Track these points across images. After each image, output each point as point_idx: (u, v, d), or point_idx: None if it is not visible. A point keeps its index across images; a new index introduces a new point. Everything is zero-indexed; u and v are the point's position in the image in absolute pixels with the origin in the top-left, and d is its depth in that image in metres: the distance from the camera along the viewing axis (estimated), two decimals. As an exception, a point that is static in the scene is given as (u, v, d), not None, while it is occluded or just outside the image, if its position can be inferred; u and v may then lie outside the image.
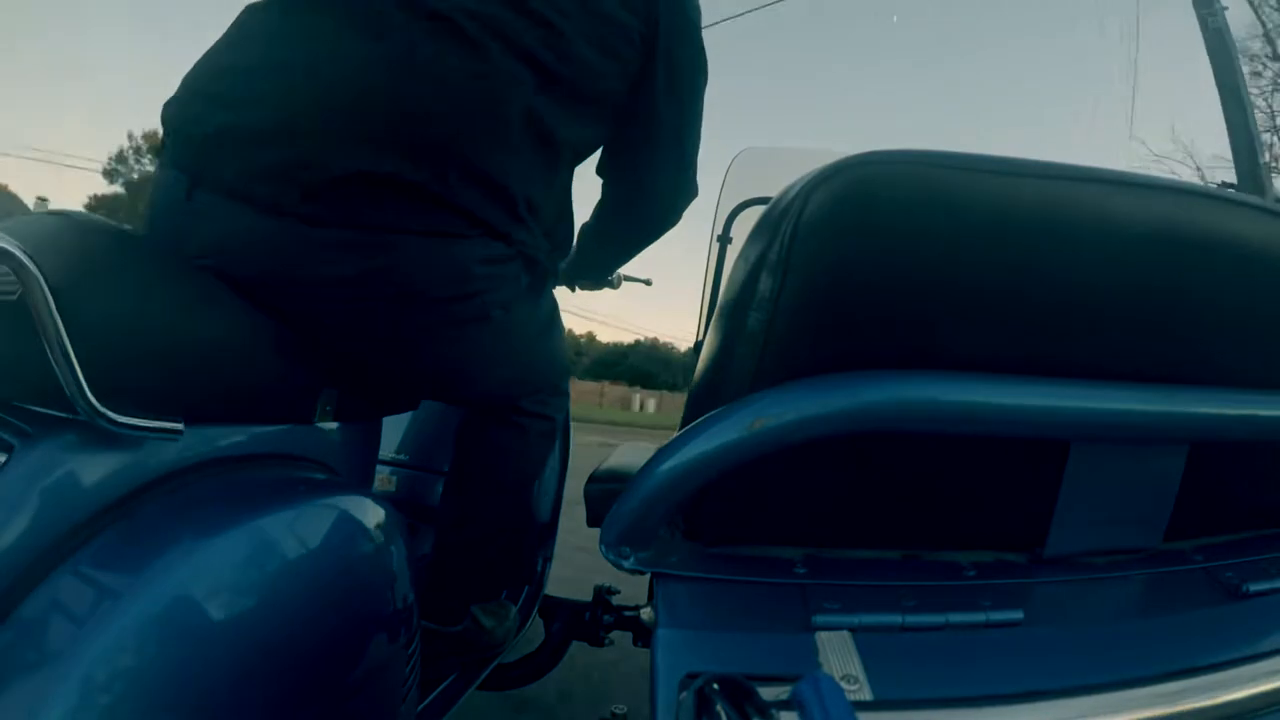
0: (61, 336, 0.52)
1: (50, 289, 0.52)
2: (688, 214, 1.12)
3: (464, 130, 0.78)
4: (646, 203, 1.08)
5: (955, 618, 0.57)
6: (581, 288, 1.51)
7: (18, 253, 0.50)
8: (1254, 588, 0.63)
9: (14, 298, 0.53)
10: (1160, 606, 0.65)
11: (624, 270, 1.59)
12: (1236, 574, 0.65)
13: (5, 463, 0.53)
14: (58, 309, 0.52)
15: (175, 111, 0.81)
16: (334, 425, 0.90)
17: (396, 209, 0.77)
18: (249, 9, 0.85)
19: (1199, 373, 0.62)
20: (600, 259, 1.28)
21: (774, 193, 0.64)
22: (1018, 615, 0.57)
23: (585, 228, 1.19)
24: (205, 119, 0.78)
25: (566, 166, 0.93)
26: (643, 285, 1.84)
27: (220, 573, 0.58)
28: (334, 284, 0.77)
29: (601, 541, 0.65)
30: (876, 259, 0.57)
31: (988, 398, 0.56)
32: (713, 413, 0.59)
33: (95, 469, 0.58)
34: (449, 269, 0.81)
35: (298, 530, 0.67)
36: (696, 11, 1.00)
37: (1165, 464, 0.65)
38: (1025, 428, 0.58)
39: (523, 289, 0.93)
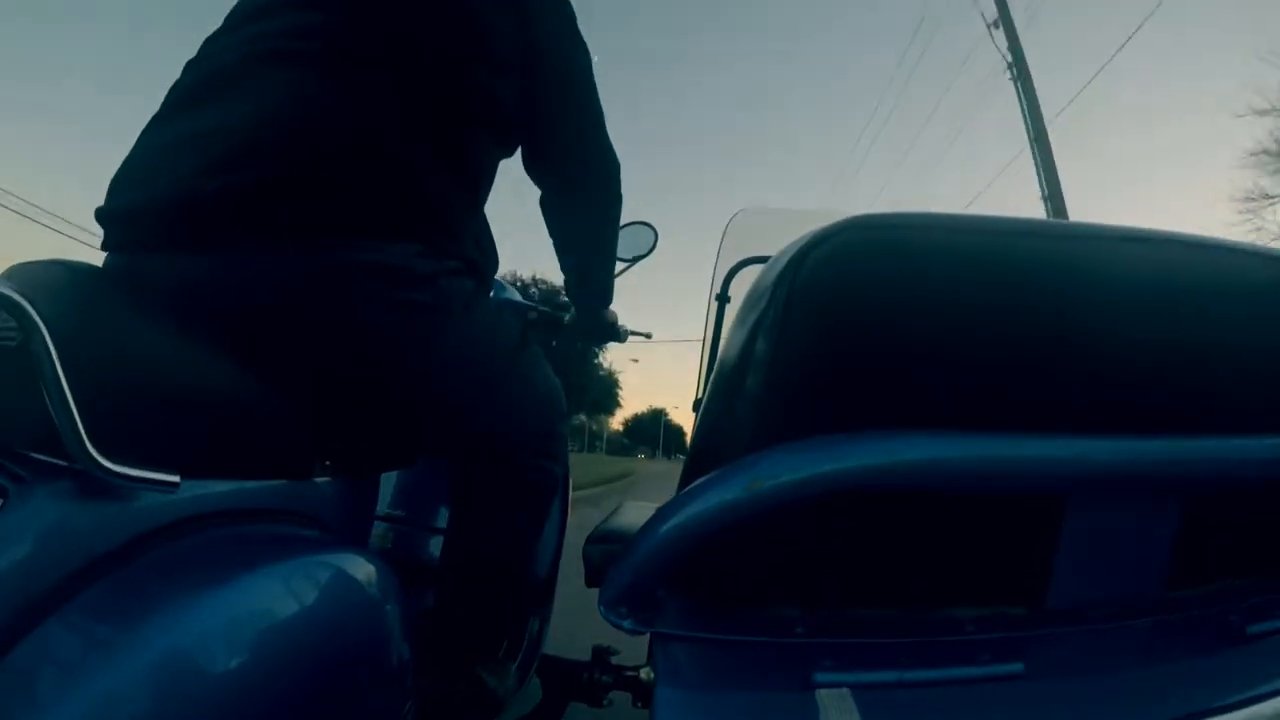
0: (61, 384, 0.52)
1: (51, 337, 0.52)
2: (690, 271, 1.12)
3: (346, 139, 0.81)
4: (578, 187, 1.09)
5: (955, 673, 0.56)
6: (588, 340, 1.50)
7: (19, 299, 0.50)
8: (1256, 629, 0.62)
9: (14, 344, 0.53)
10: (1161, 654, 0.64)
11: (627, 325, 1.59)
12: (1239, 617, 0.65)
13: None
14: (58, 357, 0.52)
15: (104, 207, 0.84)
16: (331, 481, 0.89)
17: (301, 216, 0.79)
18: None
19: (1193, 421, 0.62)
20: (579, 270, 1.25)
21: (771, 251, 0.65)
22: (1018, 669, 0.57)
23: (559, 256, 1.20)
24: (123, 200, 0.83)
25: (470, 176, 0.95)
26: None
27: (213, 629, 0.57)
28: (274, 308, 0.79)
29: (601, 601, 0.64)
30: (872, 321, 0.58)
31: (983, 455, 0.56)
32: (712, 474, 0.60)
33: (90, 518, 0.57)
34: (378, 265, 0.81)
35: (292, 587, 0.66)
36: (567, 5, 1.03)
37: (1163, 513, 0.65)
38: (1022, 484, 0.58)
39: (471, 294, 0.93)
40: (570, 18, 1.02)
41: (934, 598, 0.68)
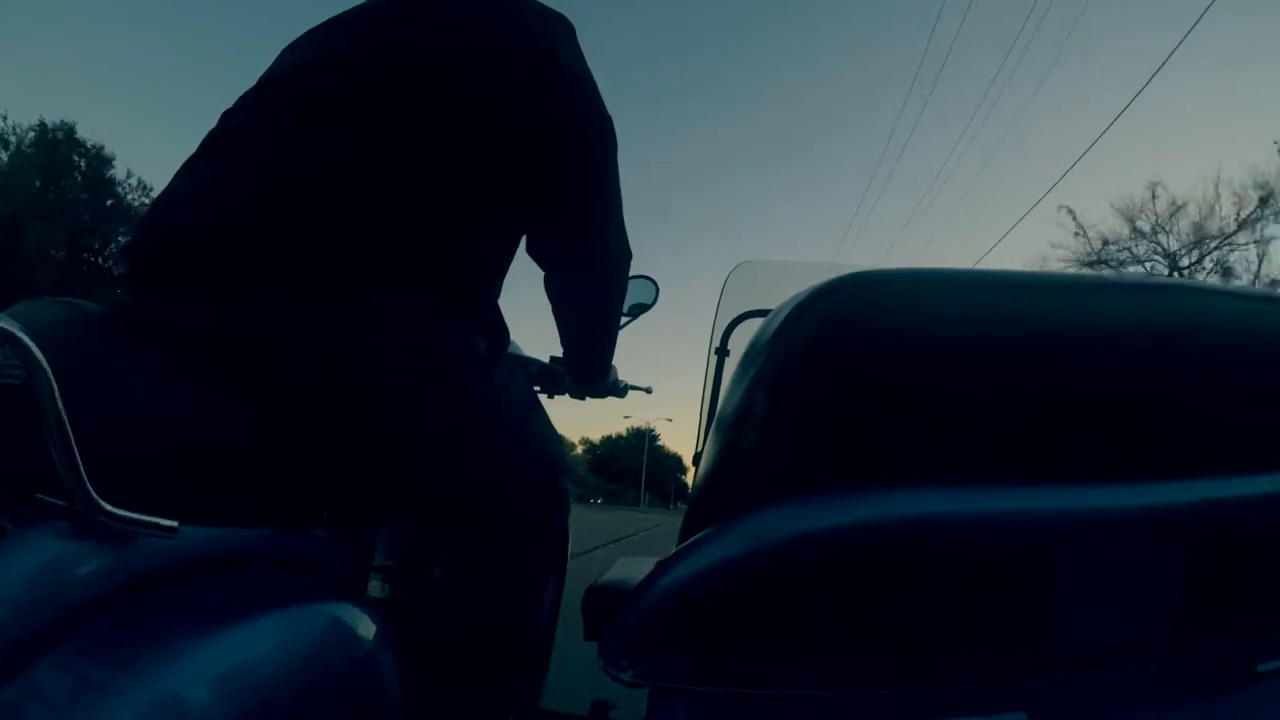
0: (64, 425, 0.52)
1: (55, 376, 0.51)
2: (689, 325, 1.11)
3: (365, 191, 0.82)
4: (584, 276, 1.08)
5: None
6: (588, 395, 1.51)
7: (24, 337, 0.50)
8: (1265, 668, 0.61)
9: (17, 382, 0.53)
10: (1168, 696, 0.63)
11: (626, 379, 1.59)
12: (1246, 655, 0.64)
13: None
14: (61, 398, 0.51)
15: (131, 242, 0.87)
16: (329, 531, 0.89)
17: (317, 263, 0.80)
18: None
19: (1192, 464, 0.62)
20: (579, 352, 1.25)
21: (772, 304, 0.66)
22: (1020, 717, 0.56)
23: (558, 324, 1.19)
24: (148, 238, 0.85)
25: (494, 242, 0.95)
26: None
27: (206, 676, 0.56)
28: (282, 354, 0.79)
29: (600, 655, 0.64)
30: (871, 375, 0.59)
31: (984, 508, 0.56)
32: (712, 528, 0.60)
33: (86, 561, 0.56)
34: (392, 318, 0.82)
35: (287, 637, 0.65)
36: (587, 74, 1.01)
37: (1166, 554, 0.65)
38: (1024, 534, 0.58)
39: (485, 357, 0.94)
40: (592, 90, 1.01)
41: (936, 647, 0.67)
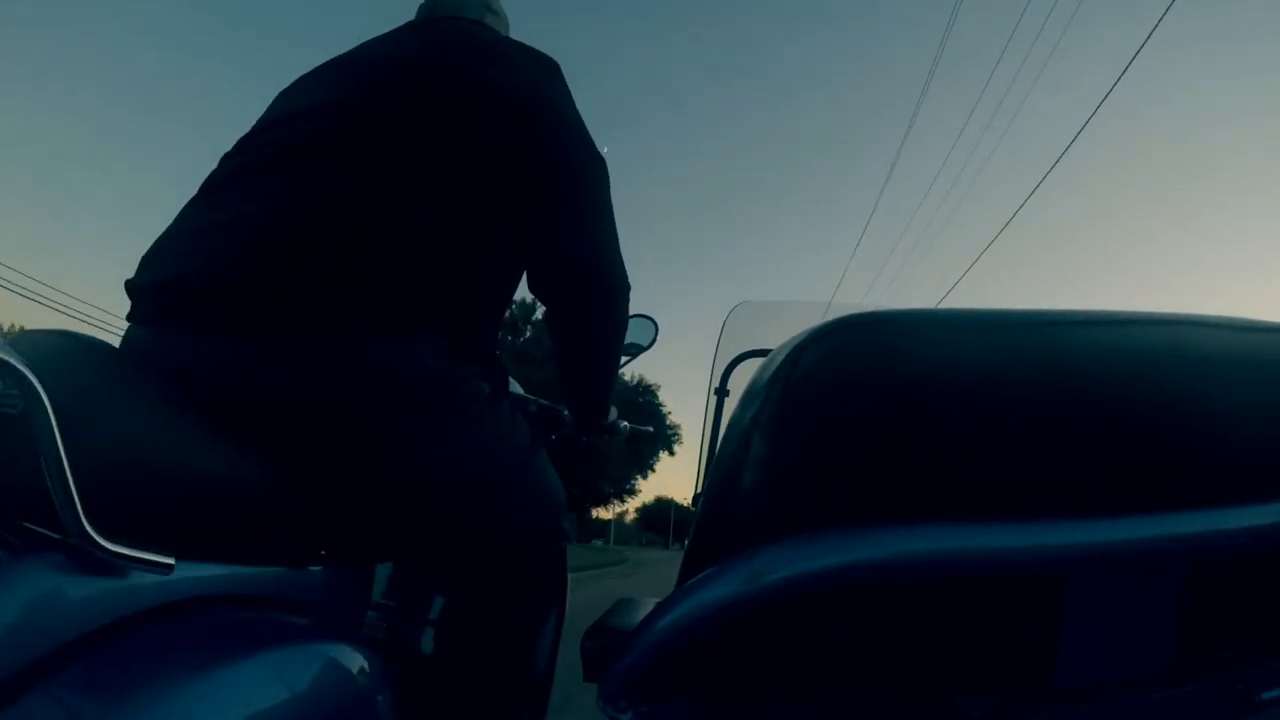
0: (60, 458, 0.51)
1: (54, 409, 0.51)
2: (689, 366, 1.10)
3: (371, 235, 0.84)
4: (586, 306, 1.08)
5: None
6: (587, 435, 1.50)
7: (24, 370, 0.50)
8: (1270, 695, 0.61)
9: (16, 412, 0.53)
10: None
11: (628, 421, 1.59)
12: (1251, 684, 0.63)
13: None
14: (60, 430, 0.51)
15: (134, 279, 0.88)
16: (326, 570, 0.88)
17: (323, 306, 0.81)
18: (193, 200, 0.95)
19: (1192, 494, 0.62)
20: (580, 386, 1.25)
21: (771, 344, 0.67)
22: None
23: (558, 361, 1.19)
24: (152, 275, 0.86)
25: (498, 282, 0.97)
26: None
27: (198, 716, 0.55)
28: (285, 394, 0.80)
29: (600, 696, 0.63)
30: (867, 416, 0.60)
31: (981, 545, 0.56)
32: (712, 568, 0.60)
33: (79, 594, 0.56)
34: (397, 360, 0.83)
35: (282, 677, 0.65)
36: (575, 112, 1.03)
37: (1168, 585, 0.64)
38: (1023, 570, 0.58)
39: (488, 398, 0.94)
40: (579, 128, 1.03)
41: (938, 684, 0.66)
